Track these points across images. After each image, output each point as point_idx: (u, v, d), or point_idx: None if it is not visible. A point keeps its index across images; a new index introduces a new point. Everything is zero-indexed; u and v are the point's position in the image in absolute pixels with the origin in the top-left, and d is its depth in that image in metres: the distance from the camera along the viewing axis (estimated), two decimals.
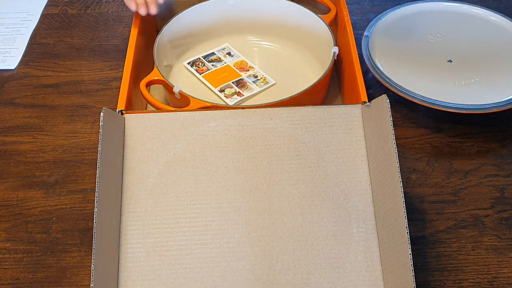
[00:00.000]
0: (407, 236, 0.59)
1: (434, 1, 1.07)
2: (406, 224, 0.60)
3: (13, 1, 1.18)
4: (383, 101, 0.66)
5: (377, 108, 0.67)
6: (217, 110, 0.70)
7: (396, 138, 0.64)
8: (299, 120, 0.69)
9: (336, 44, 0.89)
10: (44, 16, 1.14)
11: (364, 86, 0.78)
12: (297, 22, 0.98)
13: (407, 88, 0.89)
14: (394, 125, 0.64)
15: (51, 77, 1.00)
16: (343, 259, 0.64)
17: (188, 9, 0.97)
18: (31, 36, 1.09)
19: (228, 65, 0.97)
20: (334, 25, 0.95)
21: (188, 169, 0.67)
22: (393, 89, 0.90)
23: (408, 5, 1.06)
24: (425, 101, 0.87)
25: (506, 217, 0.79)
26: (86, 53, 1.05)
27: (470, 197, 0.81)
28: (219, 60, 0.98)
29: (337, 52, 0.88)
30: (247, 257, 0.64)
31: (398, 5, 1.06)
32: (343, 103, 0.92)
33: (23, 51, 1.05)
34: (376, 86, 0.95)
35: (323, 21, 0.93)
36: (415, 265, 0.59)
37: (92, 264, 0.58)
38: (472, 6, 1.06)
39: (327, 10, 0.96)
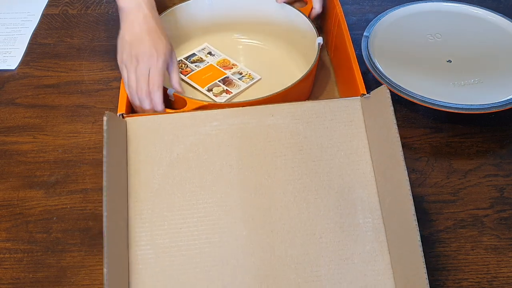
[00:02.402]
0: (415, 223, 0.59)
1: (433, 1, 1.07)
2: (413, 211, 0.60)
3: (13, 1, 1.18)
4: (383, 91, 0.66)
5: (377, 99, 0.68)
6: (218, 109, 0.70)
7: None
8: (300, 115, 0.70)
9: (333, 43, 0.89)
10: (45, 16, 1.14)
11: (362, 79, 0.79)
12: (277, 17, 0.98)
13: (407, 88, 0.89)
14: None
15: (52, 77, 1.00)
16: (352, 250, 0.64)
17: (166, 11, 0.96)
18: (31, 36, 1.09)
19: (211, 64, 0.97)
20: (323, 20, 0.95)
21: (192, 169, 0.67)
22: (392, 89, 0.90)
23: (407, 5, 1.06)
24: (424, 101, 0.88)
25: (505, 217, 0.79)
26: (87, 53, 1.05)
27: (469, 197, 0.81)
28: (201, 60, 0.98)
29: (321, 43, 0.88)
30: (256, 253, 0.64)
31: (397, 5, 1.06)
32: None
33: (24, 51, 1.06)
34: (375, 86, 0.94)
35: (303, 14, 0.94)
36: None
37: (104, 268, 0.57)
38: (471, 6, 1.07)
39: (305, 4, 0.98)
